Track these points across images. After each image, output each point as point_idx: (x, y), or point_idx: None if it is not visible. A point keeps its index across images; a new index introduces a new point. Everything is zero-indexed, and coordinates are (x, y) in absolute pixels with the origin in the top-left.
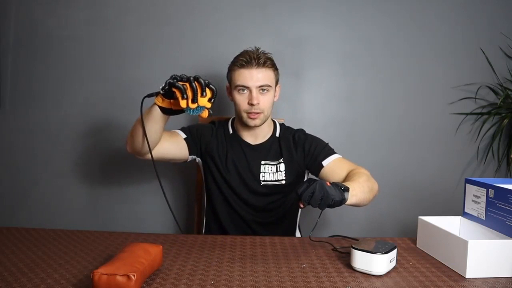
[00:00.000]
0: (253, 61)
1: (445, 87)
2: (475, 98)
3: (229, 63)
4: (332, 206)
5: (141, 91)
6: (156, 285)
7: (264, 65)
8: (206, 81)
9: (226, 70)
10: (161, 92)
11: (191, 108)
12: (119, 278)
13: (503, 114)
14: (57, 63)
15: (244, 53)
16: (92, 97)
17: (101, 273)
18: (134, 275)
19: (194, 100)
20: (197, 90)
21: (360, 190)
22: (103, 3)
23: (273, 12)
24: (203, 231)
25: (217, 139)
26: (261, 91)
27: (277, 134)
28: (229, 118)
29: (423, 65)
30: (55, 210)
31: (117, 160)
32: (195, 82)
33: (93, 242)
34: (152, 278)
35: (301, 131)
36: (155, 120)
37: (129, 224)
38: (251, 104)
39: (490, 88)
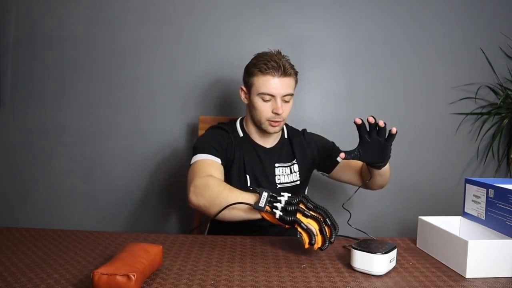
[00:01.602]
0: (280, 69)
1: (445, 87)
2: (475, 98)
3: (231, 62)
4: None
5: (141, 91)
6: (156, 285)
7: (290, 74)
8: (332, 218)
9: (226, 71)
10: (277, 217)
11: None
12: (119, 278)
13: (503, 114)
14: (57, 63)
15: (268, 58)
16: (92, 97)
17: (101, 273)
18: (134, 275)
19: (323, 248)
20: (326, 236)
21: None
22: (103, 3)
23: (273, 12)
24: (206, 233)
25: (235, 147)
26: (284, 99)
27: (286, 136)
28: (235, 119)
29: (423, 65)
30: (55, 210)
31: (117, 160)
32: (326, 227)
33: (93, 242)
34: (152, 278)
35: (305, 130)
36: (245, 218)
37: (129, 224)
38: (276, 113)
39: (490, 88)
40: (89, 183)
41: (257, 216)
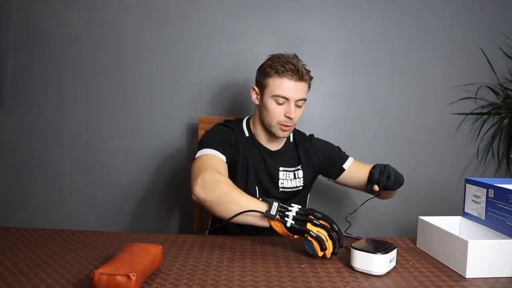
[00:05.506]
0: (298, 72)
1: (445, 87)
2: (475, 98)
3: (231, 62)
4: (401, 185)
5: (141, 91)
6: (156, 285)
7: (306, 80)
8: (337, 225)
9: (226, 70)
10: (288, 226)
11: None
12: (119, 278)
13: (503, 114)
14: (57, 63)
15: (285, 60)
16: (92, 97)
17: (101, 273)
18: (134, 275)
19: (335, 252)
20: (336, 240)
21: None
22: (103, 3)
23: (273, 12)
24: (207, 233)
25: (241, 146)
26: (297, 104)
27: (291, 139)
28: (242, 119)
29: (423, 65)
30: (55, 210)
31: (117, 160)
32: (334, 233)
33: (93, 242)
34: (152, 278)
35: (313, 135)
36: (253, 224)
37: (129, 224)
38: (288, 117)
39: (490, 88)
40: (89, 183)
41: (266, 224)
